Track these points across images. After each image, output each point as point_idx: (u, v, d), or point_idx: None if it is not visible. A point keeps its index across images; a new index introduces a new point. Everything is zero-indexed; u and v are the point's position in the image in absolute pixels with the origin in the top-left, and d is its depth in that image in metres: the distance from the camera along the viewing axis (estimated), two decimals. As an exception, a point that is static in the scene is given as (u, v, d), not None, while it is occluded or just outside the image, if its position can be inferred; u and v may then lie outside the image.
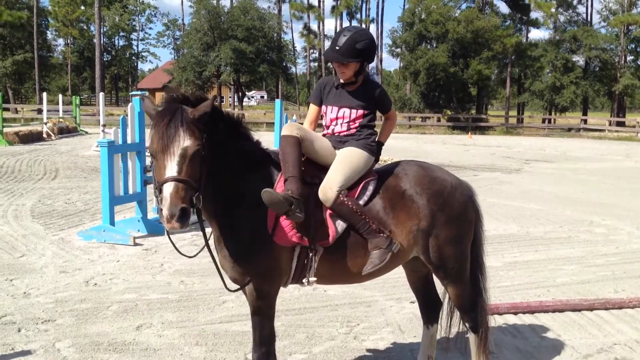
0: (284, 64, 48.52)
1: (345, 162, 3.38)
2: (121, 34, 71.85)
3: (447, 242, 3.48)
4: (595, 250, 7.78)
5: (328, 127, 3.65)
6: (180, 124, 2.80)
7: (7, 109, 34.91)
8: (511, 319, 5.17)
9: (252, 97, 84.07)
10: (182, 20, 57.75)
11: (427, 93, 41.72)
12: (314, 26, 51.04)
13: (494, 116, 49.65)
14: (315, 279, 3.32)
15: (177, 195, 2.72)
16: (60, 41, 66.99)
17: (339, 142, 3.53)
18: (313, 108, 3.72)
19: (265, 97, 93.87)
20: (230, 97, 53.88)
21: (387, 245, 3.33)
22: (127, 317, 4.99)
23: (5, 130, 20.71)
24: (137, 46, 76.63)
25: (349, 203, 3.30)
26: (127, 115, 8.23)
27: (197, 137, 2.82)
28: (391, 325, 4.97)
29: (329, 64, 3.47)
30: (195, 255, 3.40)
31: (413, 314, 5.16)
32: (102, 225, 7.64)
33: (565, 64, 44.92)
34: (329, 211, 3.31)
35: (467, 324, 3.80)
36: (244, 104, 50.79)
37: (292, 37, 73.08)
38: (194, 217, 2.92)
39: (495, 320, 5.10)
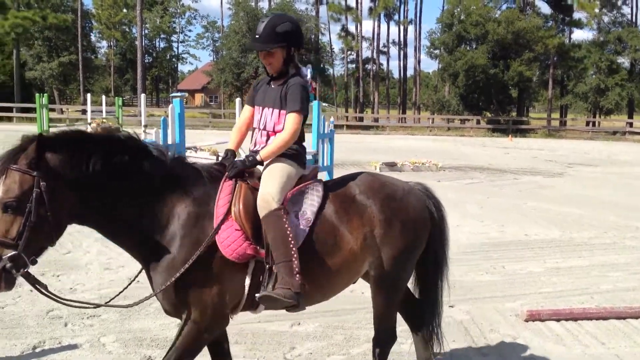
0: (322, 66, 48.62)
1: (274, 173, 3.10)
2: (162, 36, 73.09)
3: (400, 251, 3.24)
4: (641, 257, 7.57)
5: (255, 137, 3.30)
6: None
7: (53, 110, 35.95)
8: (553, 326, 5.08)
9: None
10: (221, 22, 58.47)
11: (466, 95, 41.18)
12: (351, 28, 50.92)
13: (535, 119, 48.68)
14: (267, 292, 2.93)
15: None
16: (104, 43, 68.62)
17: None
18: (246, 108, 3.40)
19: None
20: (268, 98, 54.29)
21: (297, 294, 2.96)
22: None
23: (52, 130, 21.26)
24: (177, 48, 77.72)
25: (287, 225, 2.92)
26: (167, 116, 8.39)
27: (15, 188, 2.46)
28: (430, 329, 4.93)
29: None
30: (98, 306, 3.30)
31: (451, 317, 5.12)
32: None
33: (609, 65, 43.67)
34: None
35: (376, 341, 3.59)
36: (281, 105, 51.07)
37: (330, 38, 72.83)
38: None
39: (528, 326, 5.02)
